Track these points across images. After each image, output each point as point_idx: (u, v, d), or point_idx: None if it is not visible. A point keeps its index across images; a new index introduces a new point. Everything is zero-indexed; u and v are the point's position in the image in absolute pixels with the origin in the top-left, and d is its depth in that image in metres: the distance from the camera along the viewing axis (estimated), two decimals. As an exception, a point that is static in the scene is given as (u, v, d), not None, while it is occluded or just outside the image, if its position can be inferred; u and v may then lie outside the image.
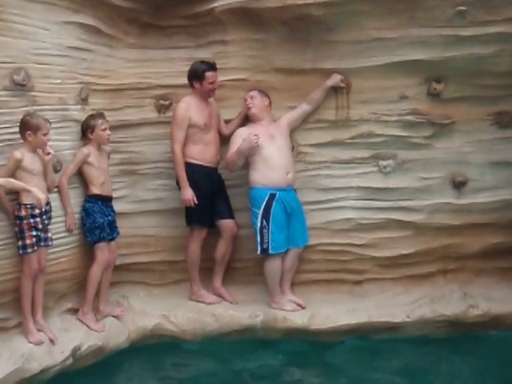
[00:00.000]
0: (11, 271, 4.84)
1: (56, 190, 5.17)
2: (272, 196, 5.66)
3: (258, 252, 5.70)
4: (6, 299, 4.86)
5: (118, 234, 5.56)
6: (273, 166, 5.69)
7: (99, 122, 5.34)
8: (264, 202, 5.65)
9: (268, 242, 5.66)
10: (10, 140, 4.84)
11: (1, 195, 4.78)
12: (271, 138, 5.73)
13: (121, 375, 5.26)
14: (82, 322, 5.29)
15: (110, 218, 5.42)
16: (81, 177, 5.38)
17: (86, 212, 5.35)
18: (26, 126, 4.77)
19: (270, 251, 5.68)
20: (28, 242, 4.80)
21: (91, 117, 5.38)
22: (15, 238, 4.82)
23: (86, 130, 5.35)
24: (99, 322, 5.35)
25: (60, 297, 5.28)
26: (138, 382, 5.19)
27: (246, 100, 5.80)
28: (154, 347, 5.61)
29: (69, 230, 5.23)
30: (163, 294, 5.96)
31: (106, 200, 5.44)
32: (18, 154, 4.76)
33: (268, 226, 5.64)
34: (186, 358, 5.56)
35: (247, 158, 5.72)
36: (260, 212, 5.66)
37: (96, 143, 5.37)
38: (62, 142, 5.21)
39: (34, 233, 4.81)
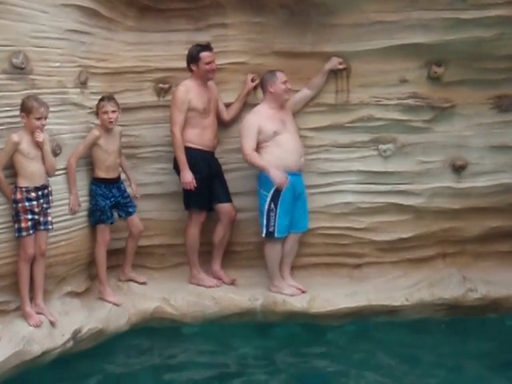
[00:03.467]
0: (11, 254, 4.85)
1: (61, 171, 5.17)
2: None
3: (263, 234, 5.69)
4: (6, 282, 4.87)
5: (134, 207, 5.67)
6: (288, 150, 5.66)
7: (101, 104, 5.41)
8: (275, 186, 5.62)
9: (274, 226, 5.65)
10: (9, 124, 4.83)
11: (1, 178, 4.79)
12: (283, 124, 5.70)
13: (121, 358, 5.28)
14: (102, 300, 5.51)
15: (113, 199, 5.50)
16: (85, 159, 5.44)
17: (90, 193, 5.48)
18: (22, 108, 4.78)
19: (276, 235, 5.68)
20: (23, 225, 4.81)
21: (100, 99, 5.45)
22: (13, 221, 4.84)
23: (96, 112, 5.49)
24: (115, 295, 5.58)
25: (60, 280, 5.29)
26: (138, 364, 5.21)
27: (285, 82, 5.64)
28: (154, 330, 5.63)
29: (71, 211, 5.26)
30: (163, 278, 5.98)
31: (111, 182, 5.51)
32: (15, 137, 4.76)
33: (276, 209, 5.62)
34: (185, 341, 5.58)
35: (258, 144, 5.66)
36: (269, 195, 5.62)
37: (103, 125, 5.45)
38: (60, 125, 5.20)
39: (30, 216, 4.83)
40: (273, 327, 5.71)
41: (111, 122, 5.42)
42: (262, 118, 5.64)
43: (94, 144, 5.41)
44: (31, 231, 4.84)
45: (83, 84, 5.43)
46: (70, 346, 5.04)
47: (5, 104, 4.81)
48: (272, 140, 5.64)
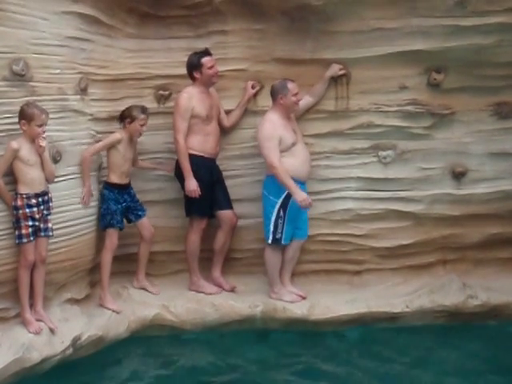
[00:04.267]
0: (11, 261, 4.85)
1: (61, 178, 5.17)
2: None
3: (270, 241, 5.67)
4: (5, 289, 4.87)
5: (144, 210, 5.75)
6: (301, 160, 5.66)
7: (141, 116, 5.51)
8: (285, 193, 5.58)
9: (282, 233, 5.64)
10: (9, 130, 4.84)
11: (1, 185, 4.79)
12: (295, 133, 5.70)
13: (121, 365, 5.27)
14: (102, 307, 5.52)
15: (124, 204, 5.60)
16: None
17: (102, 198, 5.55)
18: (22, 115, 4.77)
19: (283, 242, 5.68)
20: (24, 231, 4.81)
21: (135, 108, 5.54)
22: (14, 228, 4.84)
23: (126, 118, 5.54)
24: (116, 303, 5.59)
25: (60, 287, 5.28)
26: (137, 371, 5.20)
27: (296, 94, 5.60)
28: (154, 337, 5.62)
29: (83, 202, 5.31)
30: (163, 285, 5.96)
31: (123, 187, 5.61)
32: (14, 145, 4.76)
33: (284, 216, 5.60)
34: (185, 348, 5.57)
35: None
36: (279, 202, 5.59)
37: (129, 133, 5.55)
38: (61, 132, 5.19)
39: (30, 223, 4.83)
40: (273, 334, 5.70)
41: (141, 134, 5.58)
42: (279, 128, 5.60)
43: (112, 146, 5.50)
44: (32, 238, 4.85)
45: (83, 91, 5.43)
46: (70, 353, 5.03)
47: (5, 111, 4.81)
48: (288, 150, 5.63)
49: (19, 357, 4.69)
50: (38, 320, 4.95)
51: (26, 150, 4.80)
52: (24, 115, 4.77)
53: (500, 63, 5.62)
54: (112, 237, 5.55)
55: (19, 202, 4.81)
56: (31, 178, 4.84)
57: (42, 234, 4.93)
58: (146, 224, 5.76)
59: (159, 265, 6.09)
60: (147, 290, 5.83)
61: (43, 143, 4.80)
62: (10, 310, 4.93)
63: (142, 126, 5.54)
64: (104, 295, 5.55)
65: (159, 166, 5.93)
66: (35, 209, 4.84)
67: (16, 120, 4.81)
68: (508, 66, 5.64)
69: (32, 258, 4.86)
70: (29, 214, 4.82)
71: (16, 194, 4.83)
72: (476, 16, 5.37)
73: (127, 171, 5.62)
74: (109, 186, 5.57)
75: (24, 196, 4.82)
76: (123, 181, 5.60)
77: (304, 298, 5.80)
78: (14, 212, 4.82)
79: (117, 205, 5.54)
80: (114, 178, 5.57)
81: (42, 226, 4.91)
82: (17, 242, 4.83)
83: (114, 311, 5.49)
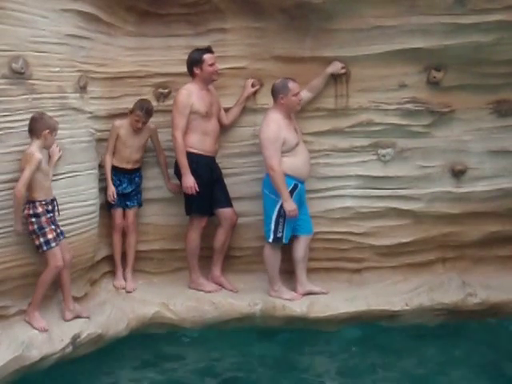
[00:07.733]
0: (11, 259, 4.85)
1: (61, 176, 5.20)
2: (295, 186, 5.62)
3: (270, 240, 5.65)
4: (6, 287, 4.87)
5: (135, 203, 5.89)
6: (303, 160, 5.66)
7: (137, 112, 5.66)
8: (286, 215, 5.57)
9: (283, 232, 5.63)
10: (9, 128, 4.84)
11: (23, 195, 4.76)
12: (296, 132, 5.69)
13: (120, 363, 5.28)
14: (115, 287, 5.84)
15: (121, 188, 5.80)
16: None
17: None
18: (46, 125, 4.81)
19: (284, 240, 5.67)
20: (50, 236, 4.87)
21: (140, 103, 5.67)
22: (33, 237, 4.85)
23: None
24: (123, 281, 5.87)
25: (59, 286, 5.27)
26: (137, 370, 5.21)
27: (297, 94, 5.57)
28: (154, 335, 5.63)
29: (111, 200, 5.73)
30: (162, 283, 5.97)
31: (122, 172, 5.80)
32: (39, 155, 4.76)
33: (285, 215, 5.58)
34: (185, 346, 5.59)
35: None
36: (280, 200, 5.56)
37: (129, 123, 5.73)
38: (60, 130, 5.16)
39: (53, 227, 4.89)
40: (272, 332, 5.70)
41: (137, 129, 5.73)
42: (282, 128, 5.58)
43: (116, 134, 5.71)
44: (57, 241, 4.91)
45: (83, 89, 5.43)
46: (69, 351, 5.03)
47: (4, 109, 4.82)
48: (292, 151, 5.62)
49: (19, 355, 4.69)
50: (77, 317, 5.10)
51: (44, 160, 4.87)
52: (48, 125, 4.82)
53: (499, 61, 5.62)
54: (115, 217, 5.81)
55: (40, 209, 4.83)
56: (48, 186, 4.91)
57: (62, 237, 4.99)
58: (129, 216, 5.86)
59: (158, 263, 6.09)
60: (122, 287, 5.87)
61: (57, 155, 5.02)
62: (10, 307, 4.94)
63: (136, 121, 5.67)
64: (118, 273, 5.86)
65: (167, 179, 5.96)
66: (51, 214, 4.91)
67: (15, 118, 4.82)
68: (507, 63, 5.64)
69: (62, 262, 4.91)
70: (51, 219, 4.89)
71: (33, 201, 4.82)
72: (475, 14, 5.37)
73: (128, 157, 5.77)
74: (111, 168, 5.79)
75: (43, 202, 4.86)
76: (122, 165, 5.78)
77: (325, 293, 5.78)
78: (34, 220, 4.82)
79: (114, 185, 5.74)
80: (114, 161, 5.78)
81: (58, 230, 4.97)
82: (44, 248, 4.85)
83: (126, 290, 5.80)
